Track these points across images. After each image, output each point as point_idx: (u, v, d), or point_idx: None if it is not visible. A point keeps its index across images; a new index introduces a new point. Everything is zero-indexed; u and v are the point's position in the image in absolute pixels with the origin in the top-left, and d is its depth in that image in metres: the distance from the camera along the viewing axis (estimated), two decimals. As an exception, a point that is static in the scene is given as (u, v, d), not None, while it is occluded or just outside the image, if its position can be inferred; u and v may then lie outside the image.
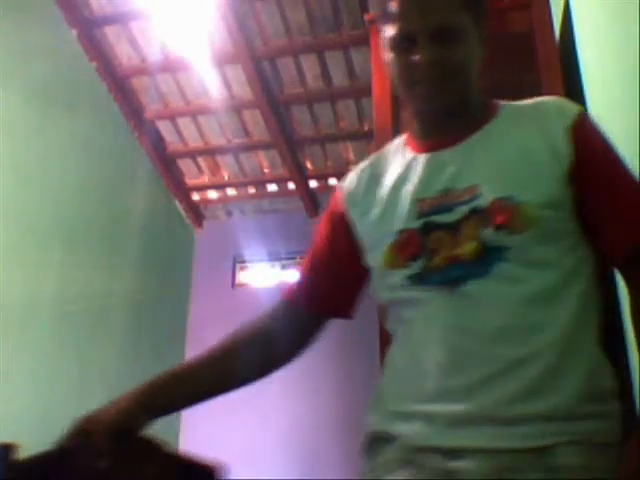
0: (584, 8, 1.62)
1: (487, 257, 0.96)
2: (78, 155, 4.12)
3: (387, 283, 1.05)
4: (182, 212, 5.39)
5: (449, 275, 0.97)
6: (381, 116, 1.74)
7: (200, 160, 5.19)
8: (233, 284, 5.26)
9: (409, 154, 1.12)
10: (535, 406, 0.91)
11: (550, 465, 0.89)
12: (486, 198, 0.98)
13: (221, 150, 5.06)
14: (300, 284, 1.20)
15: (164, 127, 4.95)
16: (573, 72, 1.69)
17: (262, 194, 5.36)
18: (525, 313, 0.95)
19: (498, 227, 0.96)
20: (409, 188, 1.07)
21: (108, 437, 1.00)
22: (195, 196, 5.43)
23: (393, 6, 1.06)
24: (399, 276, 1.02)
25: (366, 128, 4.65)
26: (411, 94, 1.08)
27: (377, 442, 1.02)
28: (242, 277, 5.31)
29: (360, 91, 4.33)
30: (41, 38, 3.83)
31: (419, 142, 1.13)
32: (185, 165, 5.22)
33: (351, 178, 1.19)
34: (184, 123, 4.90)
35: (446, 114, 1.08)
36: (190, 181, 5.31)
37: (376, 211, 1.10)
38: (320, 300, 1.18)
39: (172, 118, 4.88)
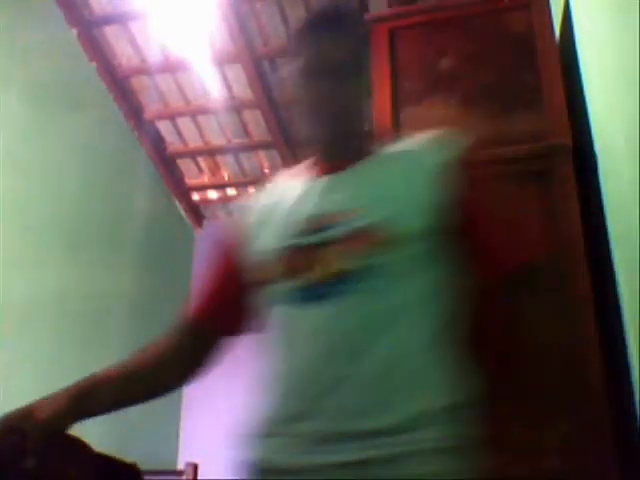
0: (584, 8, 1.62)
1: (362, 275, 1.04)
2: (78, 155, 4.12)
3: (270, 297, 1.13)
4: (182, 212, 5.38)
5: (321, 292, 1.05)
6: (381, 116, 1.74)
7: (200, 160, 5.18)
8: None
9: (300, 178, 1.23)
10: (379, 421, 0.96)
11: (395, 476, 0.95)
12: (363, 220, 1.07)
13: (221, 150, 5.05)
14: (196, 303, 1.27)
15: (164, 127, 4.94)
16: (573, 72, 1.69)
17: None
18: (381, 331, 1.02)
19: (371, 248, 1.05)
20: (295, 210, 1.16)
21: (42, 436, 1.02)
22: (195, 196, 5.43)
23: (296, 42, 1.21)
24: (280, 290, 1.10)
25: (366, 128, 4.64)
26: (306, 123, 1.20)
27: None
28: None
29: (360, 91, 4.32)
30: (41, 38, 3.83)
31: (309, 167, 1.23)
32: (185, 165, 5.22)
33: (249, 201, 1.28)
34: (184, 123, 4.89)
35: (336, 144, 1.19)
36: (190, 181, 5.31)
37: (265, 231, 1.18)
38: (212, 317, 1.24)
39: (172, 118, 4.88)
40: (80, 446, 1.06)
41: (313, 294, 1.06)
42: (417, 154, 1.16)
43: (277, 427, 1.04)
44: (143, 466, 1.15)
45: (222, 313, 1.24)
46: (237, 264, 1.21)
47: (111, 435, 4.09)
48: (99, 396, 1.19)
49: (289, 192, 1.21)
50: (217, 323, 1.25)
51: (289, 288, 1.09)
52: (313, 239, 1.09)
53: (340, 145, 1.20)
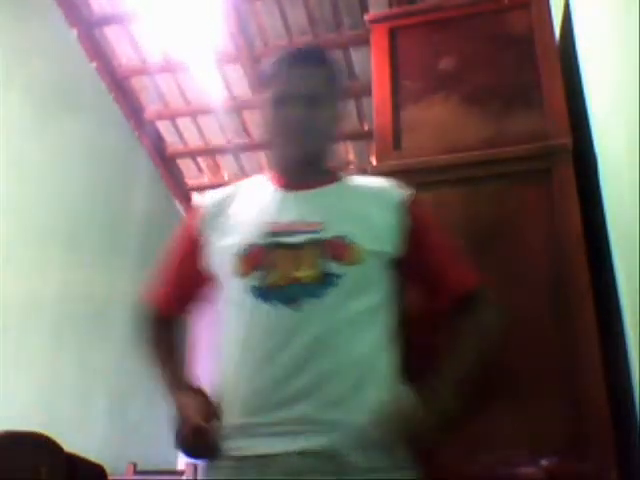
0: (584, 8, 1.62)
1: (323, 282, 1.17)
2: (78, 155, 4.12)
3: (231, 289, 1.24)
4: (182, 212, 5.39)
5: (289, 293, 1.17)
6: (381, 116, 1.74)
7: (200, 160, 5.19)
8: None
9: (267, 186, 1.35)
10: (334, 414, 1.10)
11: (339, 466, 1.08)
12: (327, 233, 1.21)
13: (221, 150, 5.06)
14: (158, 289, 1.41)
15: (164, 127, 4.95)
16: (573, 72, 1.69)
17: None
18: (343, 332, 1.16)
19: (334, 258, 1.18)
20: (263, 212, 1.28)
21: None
22: (195, 196, 5.43)
23: (274, 71, 1.34)
24: (242, 284, 1.20)
25: (366, 128, 4.65)
26: (277, 142, 1.34)
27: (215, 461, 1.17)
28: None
29: (360, 91, 4.32)
30: (41, 38, 3.83)
31: (278, 179, 1.35)
32: (185, 165, 5.22)
33: (208, 199, 1.39)
34: (184, 123, 4.90)
35: (302, 163, 1.32)
36: (190, 181, 5.31)
37: (229, 227, 1.29)
38: (171, 302, 1.40)
39: (172, 118, 4.88)
40: (51, 446, 1.11)
41: (302, 292, 1.16)
42: (378, 190, 1.33)
43: (248, 418, 1.15)
44: (143, 466, 1.18)
45: (179, 302, 1.40)
46: (198, 254, 1.32)
47: (112, 435, 4.09)
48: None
49: (254, 196, 1.33)
50: (173, 310, 1.40)
51: (251, 284, 1.19)
52: (291, 240, 1.20)
53: (308, 166, 1.32)
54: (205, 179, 5.30)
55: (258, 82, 1.50)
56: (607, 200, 1.46)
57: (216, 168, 5.22)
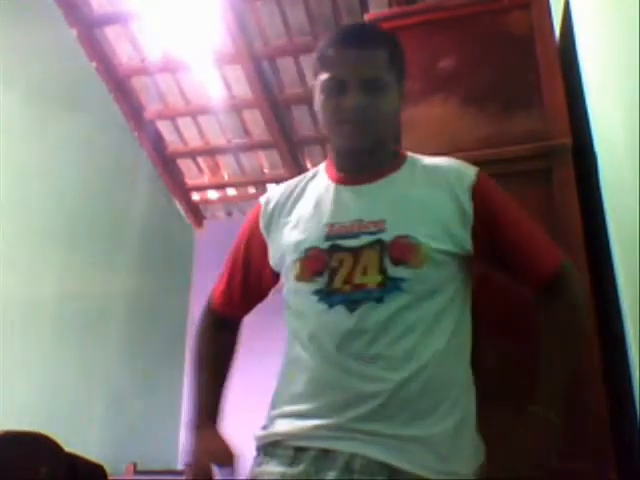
0: (584, 8, 1.62)
1: (388, 287, 1.11)
2: (78, 155, 4.12)
3: (294, 293, 1.21)
4: (182, 212, 5.39)
5: (353, 297, 1.12)
6: (381, 116, 1.74)
7: (200, 160, 5.18)
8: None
9: (327, 181, 1.28)
10: (394, 427, 1.06)
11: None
12: (390, 233, 1.14)
13: (221, 150, 5.06)
14: (225, 293, 1.37)
15: (164, 127, 4.95)
16: (573, 72, 1.69)
17: (262, 194, 5.35)
18: (406, 340, 1.10)
19: (397, 260, 1.12)
20: (322, 212, 1.22)
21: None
22: (195, 196, 5.43)
23: (330, 54, 1.22)
24: (306, 289, 1.17)
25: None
26: (337, 132, 1.23)
27: (268, 447, 1.15)
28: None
29: (360, 91, 4.32)
30: (41, 38, 3.83)
31: (337, 173, 1.28)
32: (185, 165, 5.22)
33: (271, 195, 1.35)
34: (184, 123, 4.90)
35: (364, 154, 1.24)
36: (190, 181, 5.31)
37: (290, 228, 1.24)
38: (238, 306, 1.38)
39: (172, 118, 4.88)
40: (51, 445, 1.11)
41: (342, 299, 1.12)
42: (443, 176, 1.23)
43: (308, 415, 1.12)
44: (143, 466, 1.18)
45: (242, 305, 1.38)
46: (263, 253, 1.29)
47: (112, 435, 4.09)
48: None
49: (314, 192, 1.27)
50: (237, 314, 1.40)
51: (314, 289, 1.16)
52: (353, 243, 1.15)
53: (369, 157, 1.25)
54: (205, 179, 5.30)
55: (313, 64, 1.30)
56: (607, 200, 1.46)
57: (216, 168, 5.22)
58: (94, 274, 4.13)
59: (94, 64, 4.41)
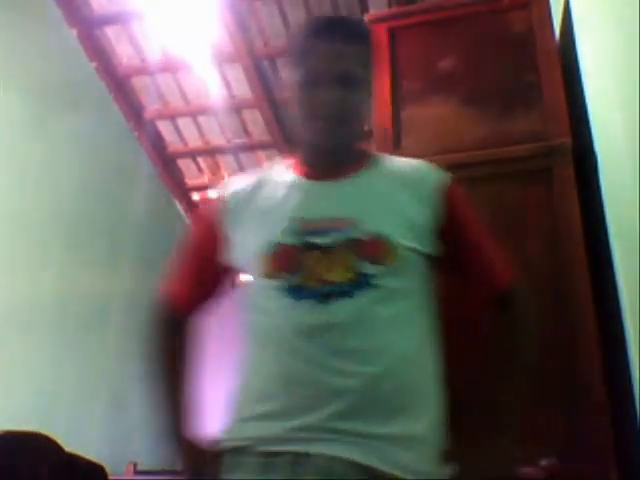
0: (584, 8, 1.62)
1: (359, 284, 1.08)
2: (78, 155, 4.12)
3: (259, 289, 1.16)
4: (182, 212, 5.38)
5: (321, 292, 1.08)
6: (381, 116, 1.74)
7: (200, 160, 5.18)
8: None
9: (293, 176, 1.23)
10: (372, 426, 1.02)
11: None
12: (361, 230, 1.11)
13: (221, 150, 5.05)
14: (179, 289, 1.30)
15: (164, 127, 4.94)
16: (573, 72, 1.69)
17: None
18: (380, 335, 1.07)
19: (367, 258, 1.09)
20: (289, 207, 1.17)
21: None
22: (195, 196, 5.43)
23: (305, 47, 1.20)
24: (272, 285, 1.12)
25: (366, 128, 4.65)
26: (309, 128, 1.20)
27: (234, 454, 1.08)
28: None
29: (360, 91, 4.32)
30: (41, 38, 3.83)
31: (305, 168, 1.24)
32: (185, 165, 5.22)
33: (231, 188, 1.28)
34: (184, 123, 4.90)
35: (335, 150, 1.21)
36: (190, 181, 5.31)
37: (254, 222, 1.19)
38: (190, 301, 1.29)
39: (172, 118, 4.88)
40: (51, 446, 1.11)
41: (310, 293, 1.08)
42: (413, 176, 1.22)
43: (271, 419, 1.07)
44: (143, 466, 1.18)
45: (197, 299, 1.30)
46: (217, 248, 1.23)
47: (112, 435, 4.09)
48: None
49: (280, 186, 1.22)
50: (191, 308, 1.30)
51: (280, 285, 1.11)
52: (324, 240, 1.11)
53: (340, 153, 1.22)
54: (205, 179, 5.30)
55: (286, 58, 1.40)
56: (607, 200, 1.46)
57: (216, 168, 5.22)
58: (94, 274, 4.13)
59: (94, 64, 4.41)
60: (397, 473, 1.01)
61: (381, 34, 1.84)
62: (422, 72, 1.79)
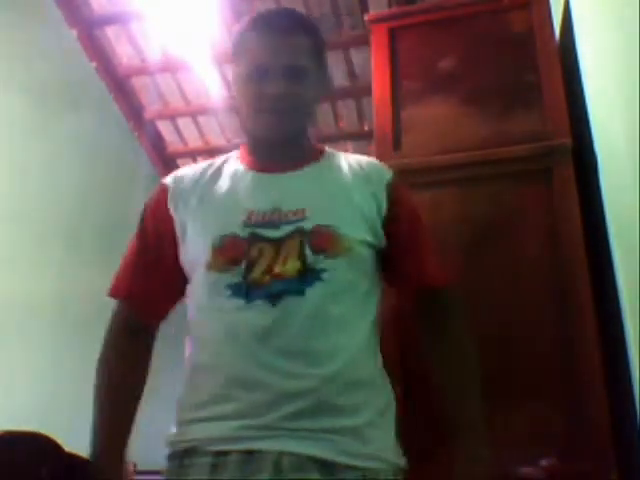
0: (584, 8, 1.62)
1: (308, 277, 1.06)
2: (78, 155, 4.12)
3: (205, 286, 1.11)
4: (182, 212, 5.38)
5: (271, 290, 1.05)
6: (381, 116, 1.74)
7: (200, 160, 5.17)
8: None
9: (241, 167, 1.22)
10: (322, 422, 1.02)
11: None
12: (311, 222, 1.10)
13: (221, 150, 5.03)
14: (130, 285, 1.25)
15: (164, 127, 4.94)
16: (573, 72, 1.69)
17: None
18: (328, 331, 1.06)
19: (318, 250, 1.08)
20: (237, 198, 1.15)
21: None
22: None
23: (250, 39, 1.21)
24: (219, 281, 1.09)
25: (366, 128, 4.65)
26: (256, 121, 1.19)
27: (183, 456, 1.09)
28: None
29: (360, 91, 4.32)
30: (41, 38, 3.83)
31: (253, 160, 1.23)
32: (185, 165, 5.22)
33: (177, 177, 1.24)
34: (184, 123, 4.89)
35: (283, 142, 1.20)
36: (190, 181, 5.31)
37: (201, 213, 1.16)
38: (151, 306, 1.24)
39: (172, 118, 4.88)
40: (51, 445, 1.11)
41: (284, 287, 1.07)
42: (361, 171, 1.22)
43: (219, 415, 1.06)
44: (143, 466, 1.17)
45: (151, 297, 1.23)
46: (168, 241, 1.19)
47: (111, 435, 4.09)
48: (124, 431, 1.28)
49: (228, 178, 1.20)
50: (147, 309, 1.24)
51: (231, 281, 1.08)
52: (274, 233, 1.10)
53: (288, 146, 1.22)
54: (205, 179, 5.30)
55: (230, 51, 1.41)
56: (607, 200, 1.46)
57: (216, 168, 5.22)
58: (94, 274, 4.13)
59: (94, 64, 4.41)
60: (347, 461, 1.01)
61: (381, 34, 1.84)
62: (422, 72, 1.79)
